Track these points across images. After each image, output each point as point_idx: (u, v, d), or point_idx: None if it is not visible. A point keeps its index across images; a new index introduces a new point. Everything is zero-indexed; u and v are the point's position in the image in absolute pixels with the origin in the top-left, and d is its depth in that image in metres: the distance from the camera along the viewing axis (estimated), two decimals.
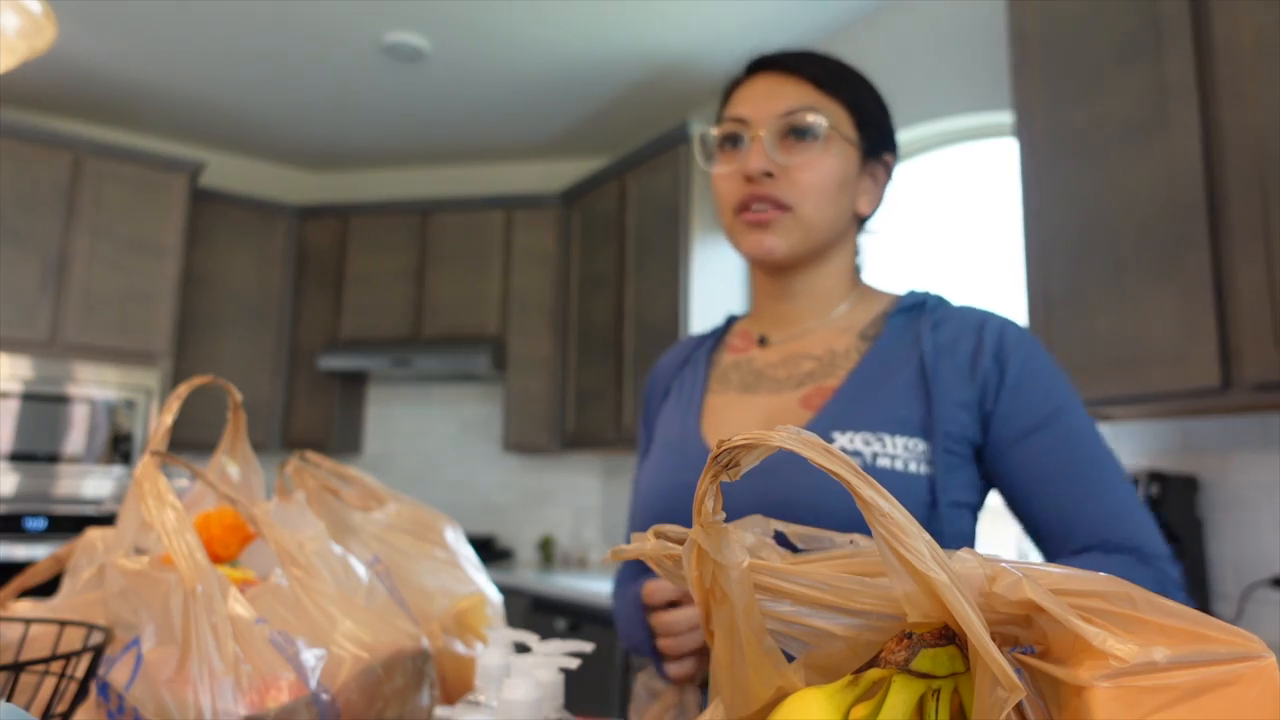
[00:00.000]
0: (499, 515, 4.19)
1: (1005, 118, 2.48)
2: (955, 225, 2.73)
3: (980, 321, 0.87)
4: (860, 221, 0.97)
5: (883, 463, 0.79)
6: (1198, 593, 1.84)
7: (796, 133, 0.88)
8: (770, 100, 0.90)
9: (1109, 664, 0.28)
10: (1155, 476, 1.83)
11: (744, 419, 0.91)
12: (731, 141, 0.92)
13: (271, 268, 4.14)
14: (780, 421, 0.87)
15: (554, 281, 3.90)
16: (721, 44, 3.19)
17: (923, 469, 0.79)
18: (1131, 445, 2.04)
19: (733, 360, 0.99)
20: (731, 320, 1.08)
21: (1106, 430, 2.09)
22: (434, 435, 4.34)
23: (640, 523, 0.95)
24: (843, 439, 0.81)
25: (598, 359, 3.59)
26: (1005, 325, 0.87)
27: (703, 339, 1.07)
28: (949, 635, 0.32)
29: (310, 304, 4.19)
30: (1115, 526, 0.79)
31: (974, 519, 0.85)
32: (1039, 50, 1.97)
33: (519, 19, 3.07)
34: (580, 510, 4.07)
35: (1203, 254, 1.62)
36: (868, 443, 0.80)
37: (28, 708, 0.60)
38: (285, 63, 3.43)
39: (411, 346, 3.95)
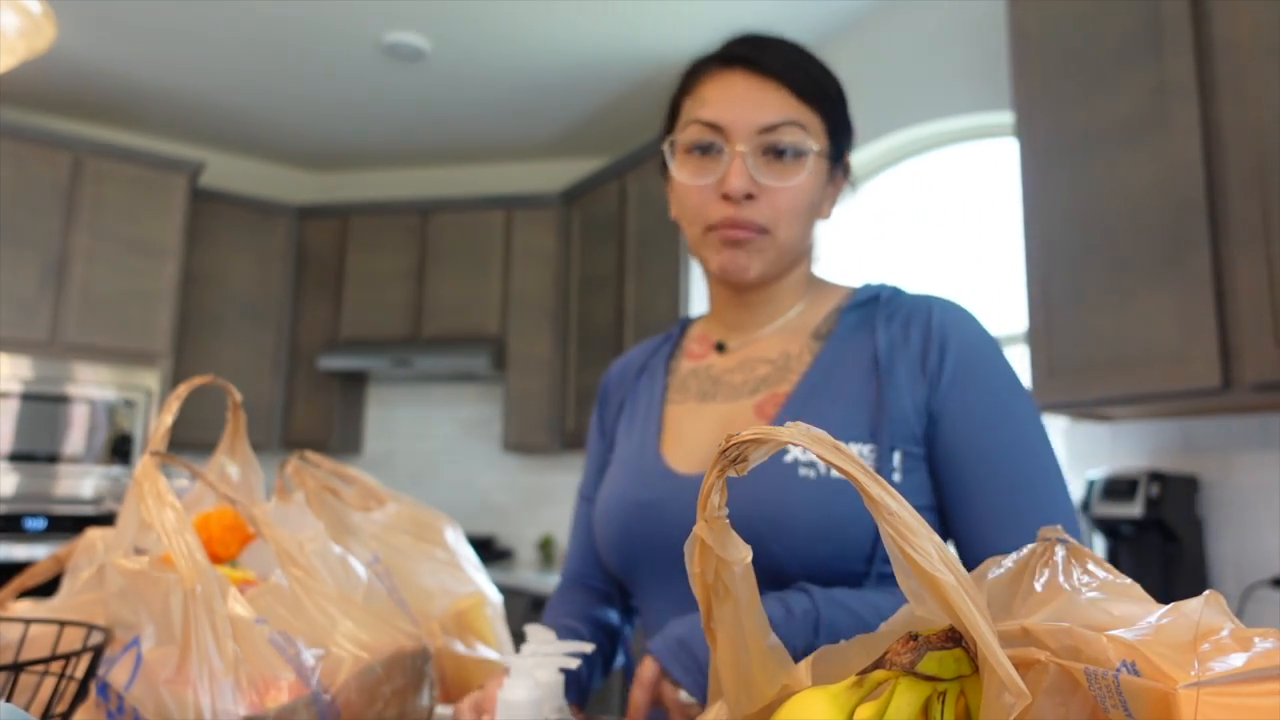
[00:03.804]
0: (499, 515, 4.19)
1: (1005, 118, 2.48)
2: (955, 225, 2.73)
3: (929, 308, 0.83)
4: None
5: (837, 472, 0.73)
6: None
7: (778, 152, 0.83)
8: (751, 109, 0.84)
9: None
10: (1155, 476, 1.83)
11: (700, 429, 0.87)
12: (702, 149, 0.85)
13: (271, 268, 4.13)
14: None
15: (554, 281, 3.90)
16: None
17: None
18: (1131, 445, 2.04)
19: (691, 367, 0.96)
20: (686, 323, 1.03)
21: (1106, 430, 2.09)
22: (434, 435, 4.34)
23: (601, 542, 0.90)
24: (795, 449, 0.74)
25: (598, 359, 3.59)
26: (948, 310, 0.82)
27: (659, 344, 1.03)
28: (955, 638, 0.32)
29: (310, 304, 4.18)
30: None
31: (937, 520, 0.80)
32: (1039, 50, 1.97)
33: (519, 19, 3.07)
34: None
35: (1203, 254, 1.61)
36: None
37: (28, 708, 0.60)
38: (285, 63, 3.43)
39: (411, 346, 3.95)
